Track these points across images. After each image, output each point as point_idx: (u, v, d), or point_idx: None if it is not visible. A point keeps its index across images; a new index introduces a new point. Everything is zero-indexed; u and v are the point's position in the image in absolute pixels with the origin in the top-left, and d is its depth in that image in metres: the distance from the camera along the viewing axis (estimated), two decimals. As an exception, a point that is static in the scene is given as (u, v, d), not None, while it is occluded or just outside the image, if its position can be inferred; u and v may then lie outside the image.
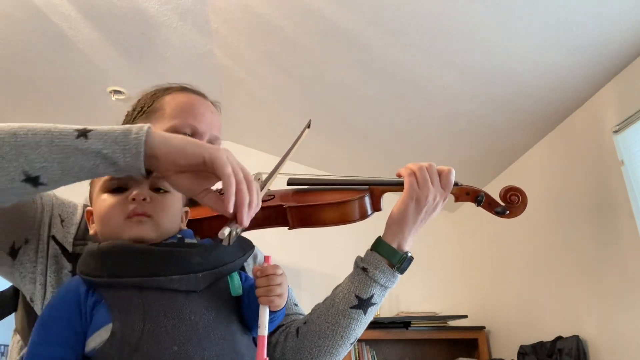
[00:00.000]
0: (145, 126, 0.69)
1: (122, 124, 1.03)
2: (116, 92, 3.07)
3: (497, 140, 2.96)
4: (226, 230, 0.68)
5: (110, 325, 0.65)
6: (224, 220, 0.88)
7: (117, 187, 0.77)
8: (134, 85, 3.02)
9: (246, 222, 0.69)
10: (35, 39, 2.62)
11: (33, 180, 0.66)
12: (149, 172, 0.70)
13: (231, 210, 0.68)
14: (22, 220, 0.81)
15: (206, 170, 0.70)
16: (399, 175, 0.96)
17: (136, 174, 0.69)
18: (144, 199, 0.75)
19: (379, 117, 3.03)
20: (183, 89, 1.05)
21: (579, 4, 2.00)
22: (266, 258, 0.76)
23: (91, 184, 0.82)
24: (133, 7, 2.43)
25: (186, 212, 0.85)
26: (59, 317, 0.68)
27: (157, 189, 0.78)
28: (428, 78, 2.59)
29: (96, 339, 0.66)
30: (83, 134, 0.68)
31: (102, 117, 3.28)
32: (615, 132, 2.32)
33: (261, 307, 0.72)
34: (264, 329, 0.71)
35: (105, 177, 0.76)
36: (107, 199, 0.77)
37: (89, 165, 0.67)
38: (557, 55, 2.26)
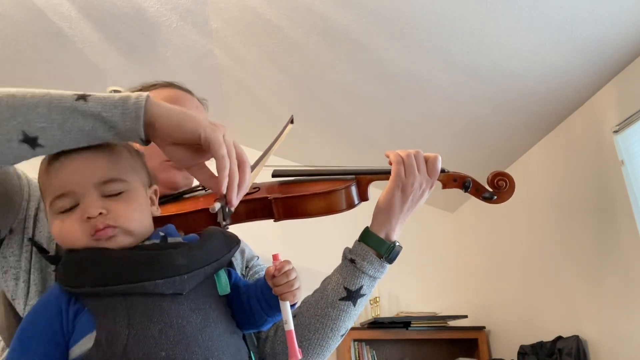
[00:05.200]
0: (145, 94, 0.70)
1: None
2: (116, 92, 3.07)
3: (497, 140, 2.96)
4: (217, 205, 0.70)
5: (94, 333, 0.63)
6: (207, 214, 0.84)
7: (65, 207, 0.70)
8: (134, 85, 3.02)
9: (235, 202, 0.71)
10: (35, 39, 2.62)
11: (31, 141, 0.66)
12: (147, 141, 0.70)
13: (224, 192, 0.70)
14: (8, 208, 0.78)
15: (202, 146, 0.70)
16: (387, 156, 0.96)
17: (135, 138, 0.69)
18: (100, 213, 0.69)
19: (378, 117, 3.03)
20: (168, 84, 1.06)
21: (579, 4, 2.00)
22: (275, 256, 0.75)
23: (42, 197, 0.75)
24: (133, 7, 2.43)
25: (155, 191, 0.80)
26: (39, 327, 0.66)
27: (108, 193, 0.71)
28: (428, 78, 2.59)
29: (80, 347, 0.64)
30: (82, 97, 0.68)
31: (102, 117, 3.29)
32: (615, 132, 2.32)
33: (282, 303, 0.73)
34: (290, 324, 0.73)
35: (49, 199, 0.71)
36: (59, 224, 0.70)
37: (88, 127, 0.67)
38: (557, 55, 2.26)
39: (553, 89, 2.47)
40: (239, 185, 0.71)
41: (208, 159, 0.73)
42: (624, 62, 2.25)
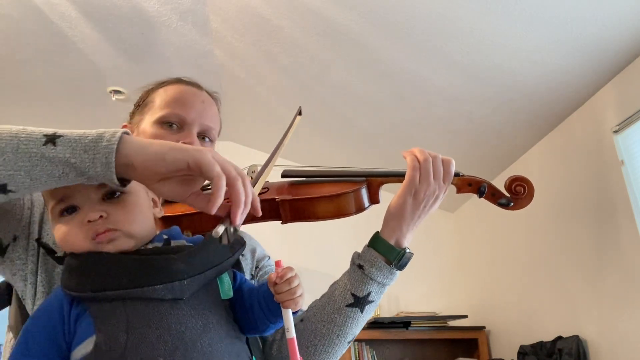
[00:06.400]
0: (119, 132, 0.64)
1: (128, 120, 1.05)
2: (116, 92, 3.07)
3: (497, 140, 2.96)
4: (220, 229, 0.63)
5: (93, 337, 0.64)
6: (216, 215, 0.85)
7: (66, 209, 0.71)
8: (134, 85, 3.01)
9: (240, 220, 0.65)
10: (35, 39, 2.62)
11: (1, 188, 0.63)
12: (125, 181, 0.66)
13: (214, 212, 0.64)
14: (8, 218, 0.79)
15: (191, 174, 0.65)
16: (404, 157, 0.93)
17: (109, 183, 0.65)
18: (101, 217, 0.69)
19: (379, 117, 3.03)
20: (178, 81, 1.05)
21: (579, 3, 2.00)
22: (277, 263, 0.75)
23: (44, 202, 0.76)
24: (133, 7, 2.43)
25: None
26: (42, 330, 0.67)
27: (110, 194, 0.71)
28: (428, 78, 2.59)
29: (81, 351, 0.65)
30: (51, 139, 0.63)
31: (102, 117, 3.29)
32: (615, 132, 2.32)
33: (284, 310, 0.72)
34: (292, 332, 0.71)
35: (51, 204, 0.72)
36: (61, 227, 0.71)
37: (58, 173, 0.63)
38: (557, 55, 2.26)
39: (553, 89, 2.47)
40: (244, 202, 0.66)
41: (201, 184, 0.69)
42: (624, 62, 2.25)
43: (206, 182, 0.75)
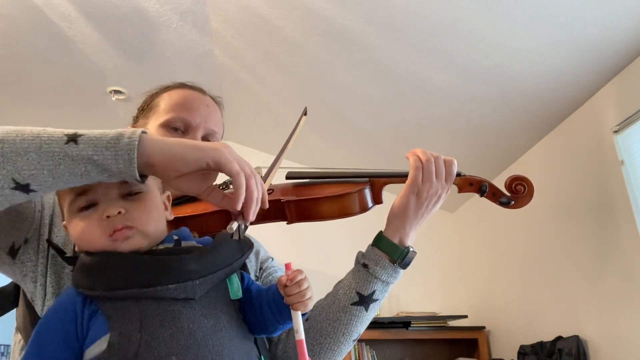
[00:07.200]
0: (138, 131, 0.67)
1: (132, 124, 1.06)
2: (116, 92, 3.08)
3: (497, 140, 2.96)
4: (234, 225, 0.71)
5: (107, 336, 0.65)
6: (222, 215, 0.84)
7: (85, 206, 0.72)
8: (134, 85, 3.03)
9: (252, 217, 0.71)
10: (35, 39, 2.62)
11: (23, 188, 0.65)
12: (144, 177, 0.68)
13: (239, 208, 0.70)
14: (20, 220, 0.80)
15: (209, 170, 0.70)
16: (407, 158, 0.95)
17: (130, 179, 0.67)
18: (119, 212, 0.71)
19: (379, 117, 3.03)
20: (182, 85, 1.06)
21: (579, 3, 2.00)
22: (287, 265, 0.76)
23: (58, 198, 0.78)
24: (133, 7, 2.43)
25: (168, 197, 0.82)
26: (54, 330, 0.67)
27: (129, 193, 0.74)
28: (428, 78, 2.59)
29: (94, 349, 0.65)
30: (73, 139, 0.65)
31: (102, 117, 3.29)
32: (615, 132, 2.32)
33: (293, 312, 0.73)
34: (301, 333, 0.73)
35: (69, 198, 0.73)
36: (79, 223, 0.72)
37: (80, 171, 0.65)
38: (557, 55, 2.26)
39: (553, 89, 2.47)
40: (258, 199, 0.72)
41: (215, 179, 0.74)
42: (624, 62, 2.25)
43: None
